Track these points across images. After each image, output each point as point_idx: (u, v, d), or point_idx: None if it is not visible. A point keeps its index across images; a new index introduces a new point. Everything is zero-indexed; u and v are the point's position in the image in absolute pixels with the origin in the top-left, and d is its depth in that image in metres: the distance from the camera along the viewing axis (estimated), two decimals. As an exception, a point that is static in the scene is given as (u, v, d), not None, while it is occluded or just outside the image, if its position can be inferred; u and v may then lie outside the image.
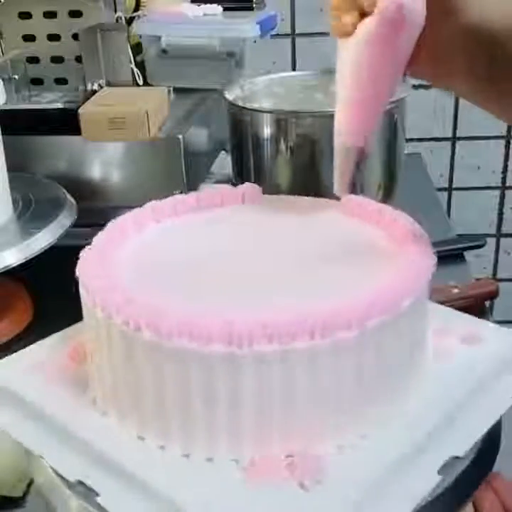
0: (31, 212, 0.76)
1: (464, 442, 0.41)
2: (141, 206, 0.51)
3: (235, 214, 0.53)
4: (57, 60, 1.02)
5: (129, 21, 1.04)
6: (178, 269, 0.45)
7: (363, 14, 0.43)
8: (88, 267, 0.43)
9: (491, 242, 1.45)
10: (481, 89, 0.43)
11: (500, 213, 1.45)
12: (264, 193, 0.55)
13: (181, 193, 0.54)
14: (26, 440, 0.43)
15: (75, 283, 0.43)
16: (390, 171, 0.89)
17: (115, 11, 1.04)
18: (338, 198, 0.51)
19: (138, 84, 1.01)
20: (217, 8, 1.06)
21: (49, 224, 0.73)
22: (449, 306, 0.53)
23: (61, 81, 1.03)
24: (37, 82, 1.02)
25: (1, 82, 0.73)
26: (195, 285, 0.43)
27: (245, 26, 1.00)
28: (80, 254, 0.44)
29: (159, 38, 1.02)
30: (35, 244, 0.70)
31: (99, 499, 0.38)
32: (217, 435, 0.39)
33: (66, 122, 0.88)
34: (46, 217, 0.74)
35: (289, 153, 0.84)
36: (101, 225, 0.48)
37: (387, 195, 0.88)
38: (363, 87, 0.44)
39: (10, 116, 0.81)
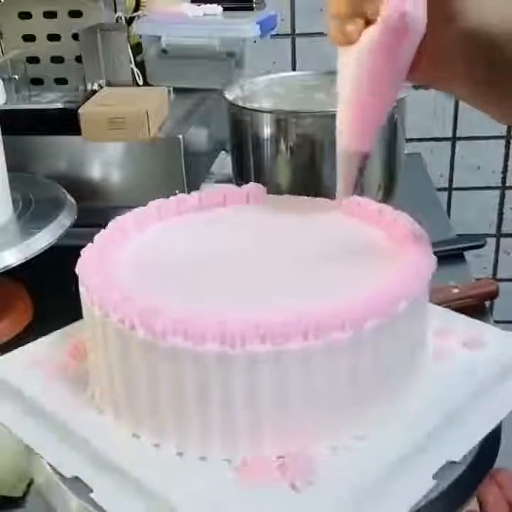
0: (31, 212, 0.76)
1: (461, 447, 0.40)
2: (140, 206, 0.51)
3: (237, 214, 0.53)
4: (57, 60, 1.02)
5: (129, 21, 1.04)
6: (178, 269, 0.45)
7: (366, 22, 0.43)
8: (88, 265, 0.43)
9: (491, 242, 1.45)
10: (481, 92, 0.43)
11: (500, 213, 1.45)
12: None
13: (181, 192, 0.54)
14: (24, 435, 0.43)
15: (75, 283, 0.43)
16: (390, 171, 0.89)
17: (115, 11, 1.04)
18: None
19: (138, 84, 1.01)
20: (217, 8, 1.06)
21: (49, 224, 0.73)
22: (449, 306, 0.53)
23: (61, 81, 1.03)
24: (37, 82, 1.02)
25: (1, 82, 0.73)
26: (193, 285, 0.44)
27: (245, 26, 1.00)
28: (81, 252, 0.45)
29: (159, 38, 1.02)
30: (35, 244, 0.70)
31: (92, 495, 0.38)
32: (210, 434, 0.39)
33: (66, 122, 0.88)
34: (46, 217, 0.74)
35: (289, 153, 0.84)
36: (101, 225, 0.48)
37: (387, 195, 0.88)
38: (365, 94, 0.44)
39: (10, 116, 0.81)
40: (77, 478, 0.39)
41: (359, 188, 0.48)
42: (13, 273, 0.69)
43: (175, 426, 0.40)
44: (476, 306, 0.77)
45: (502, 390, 0.45)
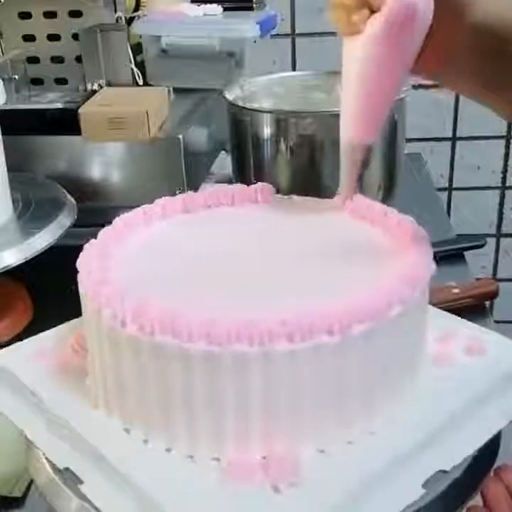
0: (31, 212, 0.76)
1: (453, 457, 0.40)
2: (141, 206, 0.51)
3: (242, 213, 0.53)
4: (57, 60, 1.02)
5: (129, 21, 1.04)
6: (176, 267, 0.45)
7: (371, 12, 0.43)
8: (87, 260, 0.44)
9: (491, 242, 1.45)
10: (493, 88, 0.43)
11: (500, 213, 1.45)
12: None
13: (182, 192, 0.54)
14: (21, 424, 0.44)
15: (75, 283, 0.43)
16: (390, 171, 0.89)
17: (115, 11, 1.04)
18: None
19: (138, 84, 1.01)
20: (217, 8, 1.06)
21: (49, 224, 0.73)
22: (449, 306, 0.53)
23: (61, 81, 1.03)
24: (37, 82, 1.02)
25: (1, 82, 0.74)
26: (189, 283, 0.44)
27: (245, 26, 1.00)
28: (84, 247, 0.45)
29: (159, 38, 1.02)
30: (35, 244, 0.70)
31: (82, 487, 0.39)
32: (197, 433, 0.39)
33: (66, 122, 0.88)
34: (46, 217, 0.74)
35: (289, 153, 0.84)
36: (101, 225, 0.48)
37: (387, 195, 0.88)
38: (370, 85, 0.44)
39: (10, 116, 0.81)
40: (67, 470, 0.40)
41: (360, 182, 0.48)
42: (13, 273, 0.69)
43: (163, 423, 0.40)
44: (476, 306, 0.77)
45: (502, 399, 0.44)
